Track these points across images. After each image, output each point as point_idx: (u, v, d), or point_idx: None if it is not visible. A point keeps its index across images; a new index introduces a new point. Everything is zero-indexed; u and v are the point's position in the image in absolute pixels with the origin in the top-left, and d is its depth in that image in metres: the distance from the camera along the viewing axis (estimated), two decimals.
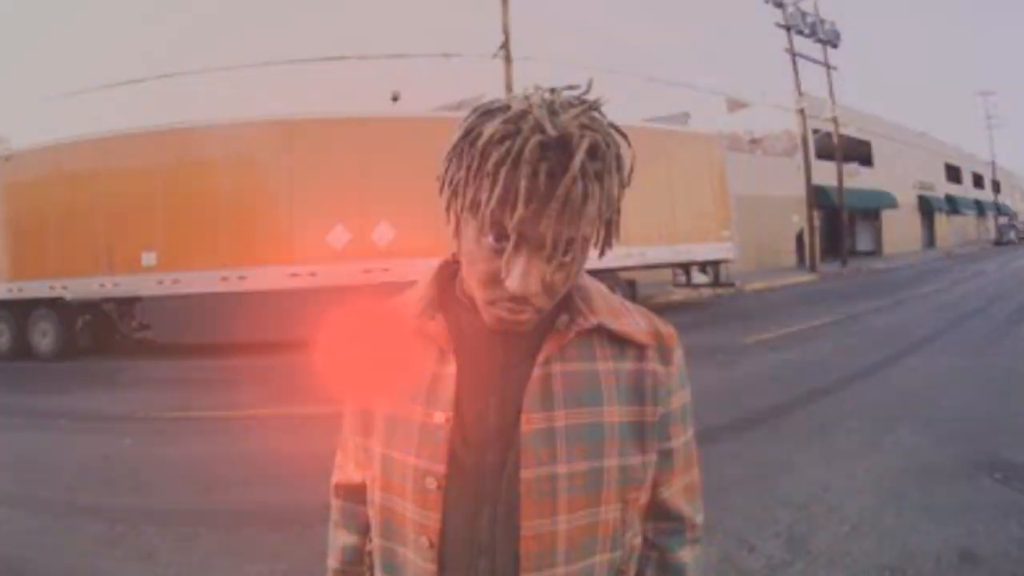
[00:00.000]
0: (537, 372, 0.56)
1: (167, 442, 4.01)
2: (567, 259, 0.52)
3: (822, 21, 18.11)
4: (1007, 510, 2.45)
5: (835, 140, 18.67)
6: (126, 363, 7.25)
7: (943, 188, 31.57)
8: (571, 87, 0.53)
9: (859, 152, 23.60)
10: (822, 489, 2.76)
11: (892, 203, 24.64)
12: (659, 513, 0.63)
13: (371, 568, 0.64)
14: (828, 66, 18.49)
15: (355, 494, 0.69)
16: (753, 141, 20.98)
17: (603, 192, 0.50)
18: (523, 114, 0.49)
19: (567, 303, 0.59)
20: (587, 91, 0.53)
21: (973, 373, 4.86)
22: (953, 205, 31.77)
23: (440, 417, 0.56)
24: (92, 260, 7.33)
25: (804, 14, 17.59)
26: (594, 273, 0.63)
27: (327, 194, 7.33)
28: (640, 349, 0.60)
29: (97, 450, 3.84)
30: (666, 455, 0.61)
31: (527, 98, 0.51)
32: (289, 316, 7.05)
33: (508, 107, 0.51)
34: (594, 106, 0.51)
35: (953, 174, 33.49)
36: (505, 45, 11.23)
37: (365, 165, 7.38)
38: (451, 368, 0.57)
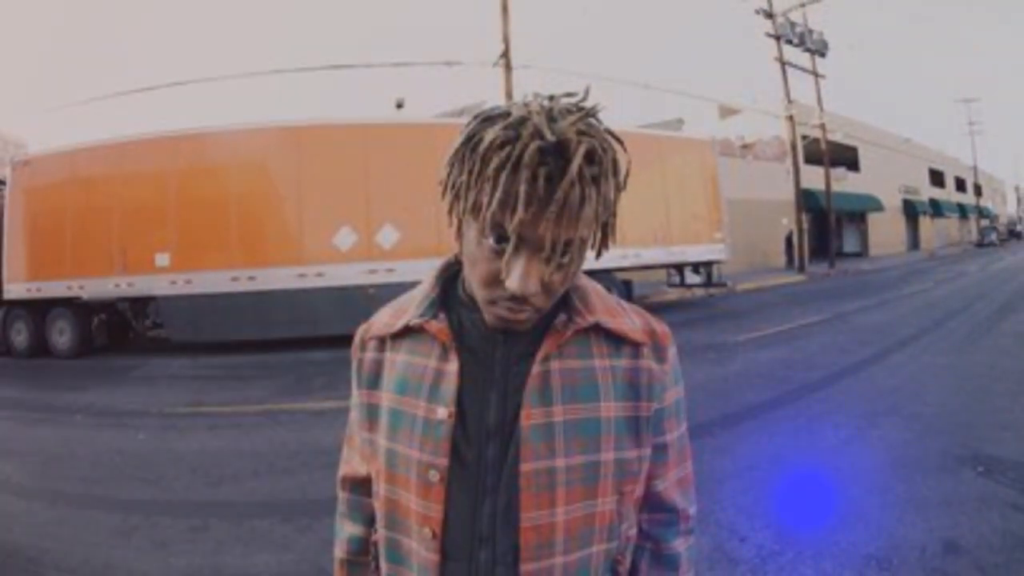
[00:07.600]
0: (536, 369, 0.57)
1: (179, 436, 4.03)
2: (565, 260, 0.53)
3: (810, 31, 18.33)
4: (989, 502, 2.49)
5: (823, 146, 18.88)
6: (140, 360, 7.28)
7: (927, 192, 32.04)
8: (569, 94, 0.54)
9: (846, 157, 23.91)
10: (810, 482, 2.80)
11: (878, 206, 25.01)
12: (653, 505, 0.64)
13: (376, 558, 0.65)
14: (816, 74, 18.71)
15: (361, 486, 0.70)
16: (744, 146, 21.16)
17: (600, 196, 0.52)
18: (523, 120, 0.50)
19: (565, 303, 0.60)
20: (584, 98, 0.54)
21: (955, 370, 4.93)
22: (937, 208, 32.24)
23: (443, 412, 0.57)
24: (108, 261, 7.40)
25: (793, 24, 17.79)
26: (591, 274, 0.65)
27: (334, 197, 7.43)
28: (635, 347, 0.61)
29: (112, 444, 3.88)
30: (660, 449, 0.62)
31: (526, 105, 0.52)
32: (297, 315, 7.13)
33: (508, 114, 0.52)
34: (591, 112, 0.52)
35: (937, 178, 33.99)
36: (505, 54, 11.24)
37: (370, 170, 7.47)
38: (453, 365, 0.59)
